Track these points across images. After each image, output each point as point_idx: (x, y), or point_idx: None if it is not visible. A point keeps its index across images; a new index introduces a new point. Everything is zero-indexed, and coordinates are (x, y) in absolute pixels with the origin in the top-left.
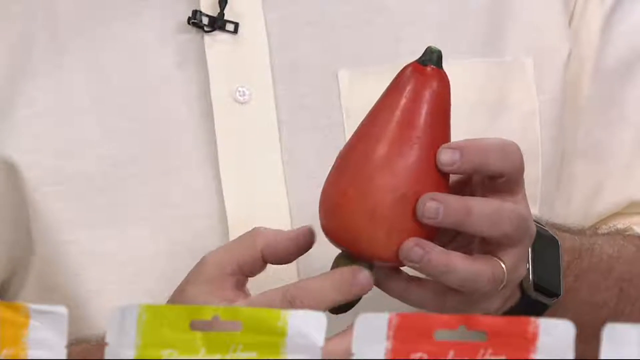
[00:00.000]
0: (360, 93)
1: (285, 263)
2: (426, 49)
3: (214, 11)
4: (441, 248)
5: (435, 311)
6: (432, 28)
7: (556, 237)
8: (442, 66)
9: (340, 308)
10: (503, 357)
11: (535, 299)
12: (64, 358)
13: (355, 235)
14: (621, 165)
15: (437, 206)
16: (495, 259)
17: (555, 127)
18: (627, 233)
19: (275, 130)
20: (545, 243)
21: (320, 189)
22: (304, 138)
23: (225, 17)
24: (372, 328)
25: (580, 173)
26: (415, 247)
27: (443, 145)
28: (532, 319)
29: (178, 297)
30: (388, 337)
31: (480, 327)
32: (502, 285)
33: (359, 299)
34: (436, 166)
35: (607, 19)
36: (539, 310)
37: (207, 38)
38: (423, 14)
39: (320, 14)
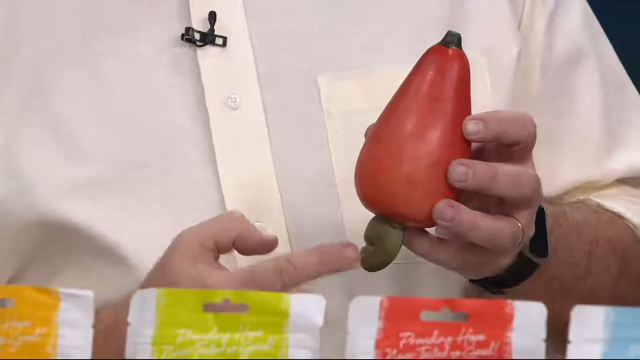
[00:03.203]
0: (339, 96)
1: (246, 255)
2: (447, 32)
3: (204, 27)
4: (468, 208)
5: (457, 268)
6: (405, 37)
7: (542, 204)
8: (462, 47)
9: (374, 266)
10: (482, 336)
11: (529, 258)
12: (91, 336)
13: (391, 199)
14: (575, 149)
15: (466, 170)
16: (513, 218)
17: None
18: (587, 202)
19: (264, 132)
20: None
21: (306, 183)
22: (290, 137)
23: (215, 33)
24: (366, 310)
25: (537, 159)
26: (447, 207)
27: (468, 116)
28: (509, 301)
29: (159, 270)
30: (380, 318)
31: (462, 308)
32: (519, 242)
33: (392, 259)
34: (462, 135)
35: (550, 20)
36: (531, 269)
37: (200, 51)
38: (390, 24)
39: (300, 25)
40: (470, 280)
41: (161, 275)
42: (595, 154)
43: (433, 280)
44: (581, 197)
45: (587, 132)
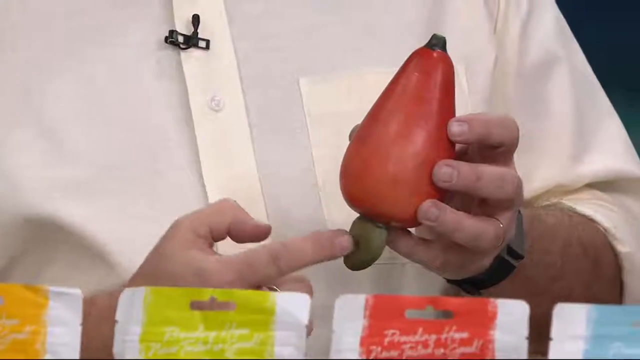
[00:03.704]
0: (321, 98)
1: (240, 242)
2: (432, 36)
3: (188, 30)
4: (452, 209)
5: (439, 268)
6: (386, 40)
7: (518, 210)
8: (446, 50)
9: (357, 265)
10: (466, 333)
11: (506, 260)
12: (79, 334)
13: (376, 199)
14: (547, 154)
15: (451, 171)
16: (495, 219)
17: None
18: (560, 206)
19: (247, 133)
20: None
21: (289, 183)
22: (273, 138)
23: (199, 36)
24: (351, 307)
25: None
26: (432, 207)
27: (453, 118)
28: (492, 299)
29: (154, 258)
30: (365, 316)
31: (446, 306)
32: (500, 243)
33: (375, 259)
34: (446, 137)
35: (524, 27)
36: (507, 270)
37: (183, 54)
38: (369, 28)
39: (281, 28)
40: (448, 281)
41: (155, 261)
42: (566, 158)
43: (415, 281)
44: (554, 201)
45: (559, 137)
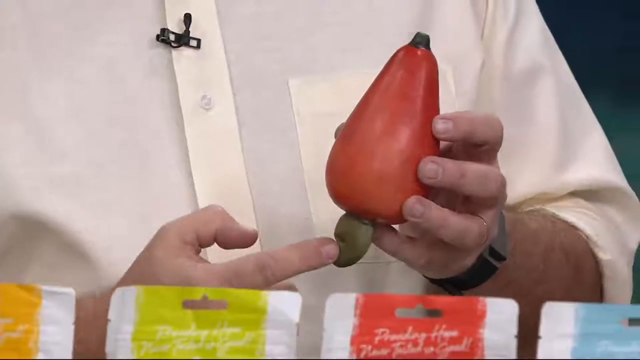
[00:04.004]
0: (310, 98)
1: (227, 248)
2: (416, 34)
3: (179, 29)
4: (437, 205)
5: (423, 266)
6: (372, 42)
7: (501, 210)
8: (430, 48)
9: (343, 263)
10: (455, 332)
11: (488, 261)
12: (72, 333)
13: (361, 196)
14: (531, 161)
15: (436, 167)
16: (479, 217)
17: None
18: (543, 212)
19: (236, 132)
20: None
21: (277, 182)
22: (262, 138)
23: (190, 35)
24: (342, 306)
25: None
26: (417, 203)
27: (437, 116)
28: (481, 298)
29: (140, 263)
30: (355, 315)
31: (436, 305)
32: (484, 241)
33: (361, 256)
34: (431, 134)
35: (510, 34)
36: (489, 271)
37: (175, 52)
38: (359, 31)
39: (272, 30)
40: (431, 281)
41: (142, 268)
42: (550, 166)
43: (399, 280)
44: (537, 207)
45: (544, 144)
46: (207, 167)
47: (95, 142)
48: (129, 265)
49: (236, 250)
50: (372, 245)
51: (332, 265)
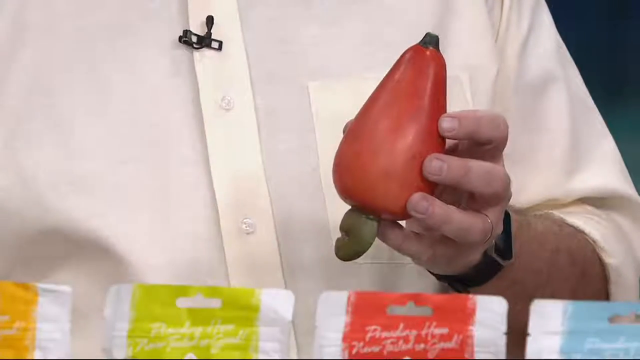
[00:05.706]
0: (329, 101)
1: None
2: (425, 34)
3: (202, 31)
4: (441, 202)
5: (428, 262)
6: (386, 48)
7: (508, 209)
8: (439, 49)
9: (348, 256)
10: (446, 329)
11: (494, 259)
12: (68, 330)
13: (367, 192)
14: (540, 169)
15: (441, 164)
16: (483, 214)
17: None
18: (550, 216)
19: (255, 133)
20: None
21: (294, 182)
22: (280, 139)
23: (212, 37)
24: (334, 304)
25: None
26: (422, 200)
27: (443, 114)
28: (471, 296)
29: None
30: (347, 312)
31: (426, 303)
32: (488, 238)
33: (365, 250)
34: (437, 132)
35: (524, 44)
36: (495, 270)
37: (196, 54)
38: (378, 35)
39: (291, 34)
40: (438, 278)
41: None
42: (559, 174)
43: (415, 282)
44: (545, 211)
45: (554, 152)
46: (226, 166)
47: (114, 140)
48: (150, 261)
49: (253, 246)
50: (388, 247)
51: (347, 266)
